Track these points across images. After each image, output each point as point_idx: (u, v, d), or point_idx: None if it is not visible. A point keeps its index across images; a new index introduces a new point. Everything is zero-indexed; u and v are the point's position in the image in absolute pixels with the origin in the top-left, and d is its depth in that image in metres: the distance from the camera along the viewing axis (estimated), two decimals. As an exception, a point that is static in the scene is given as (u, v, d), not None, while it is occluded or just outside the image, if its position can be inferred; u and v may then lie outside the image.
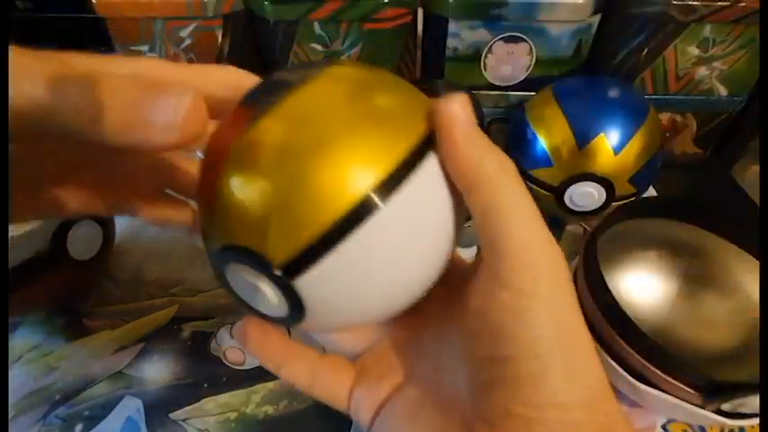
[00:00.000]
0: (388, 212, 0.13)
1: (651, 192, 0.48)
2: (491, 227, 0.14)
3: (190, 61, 0.50)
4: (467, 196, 0.14)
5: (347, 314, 0.15)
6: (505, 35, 0.45)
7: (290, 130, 0.14)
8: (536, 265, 0.13)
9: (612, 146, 0.37)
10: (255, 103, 0.15)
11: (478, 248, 0.15)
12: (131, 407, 0.34)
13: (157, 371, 0.36)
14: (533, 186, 0.41)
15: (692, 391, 0.25)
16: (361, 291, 0.14)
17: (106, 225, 0.38)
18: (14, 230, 0.29)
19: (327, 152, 0.13)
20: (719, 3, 0.40)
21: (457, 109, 0.14)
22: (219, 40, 0.49)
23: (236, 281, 0.15)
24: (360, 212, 0.13)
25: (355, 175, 0.13)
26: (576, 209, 0.40)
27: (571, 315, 0.13)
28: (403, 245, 0.14)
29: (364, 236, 0.13)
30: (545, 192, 0.40)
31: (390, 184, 0.13)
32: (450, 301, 0.16)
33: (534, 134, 0.40)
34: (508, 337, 0.13)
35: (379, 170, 0.13)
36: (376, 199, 0.13)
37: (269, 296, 0.14)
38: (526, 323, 0.13)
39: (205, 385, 0.35)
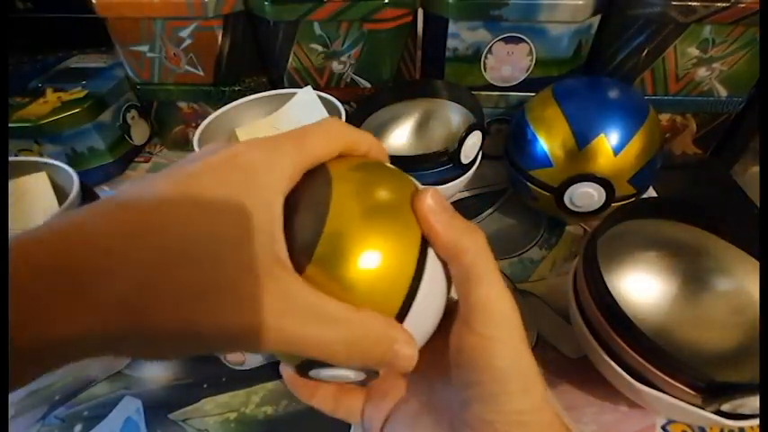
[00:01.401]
0: (425, 286, 0.18)
1: (651, 192, 0.48)
2: (465, 287, 0.18)
3: (190, 61, 0.50)
4: (450, 264, 0.19)
5: None
6: (505, 36, 0.45)
7: (343, 257, 0.17)
8: (496, 316, 0.18)
9: (612, 146, 0.37)
10: (297, 238, 0.17)
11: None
12: (131, 407, 0.34)
13: (157, 371, 0.36)
14: (533, 187, 0.41)
15: (691, 391, 0.25)
16: (417, 338, 0.19)
17: None
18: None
19: (380, 259, 0.17)
20: (719, 4, 0.40)
21: (430, 202, 0.18)
22: (219, 40, 0.49)
23: (321, 374, 0.18)
24: (411, 293, 0.18)
25: (404, 268, 0.17)
26: (576, 209, 0.40)
27: (520, 350, 0.18)
28: (435, 301, 0.19)
29: (416, 308, 0.18)
30: (545, 192, 0.40)
31: (421, 267, 0.18)
32: (438, 335, 0.20)
33: (534, 135, 0.40)
34: (477, 368, 0.18)
35: (414, 258, 0.18)
36: (418, 279, 0.18)
37: (353, 376, 0.19)
38: (489, 358, 0.18)
39: (205, 385, 0.35)
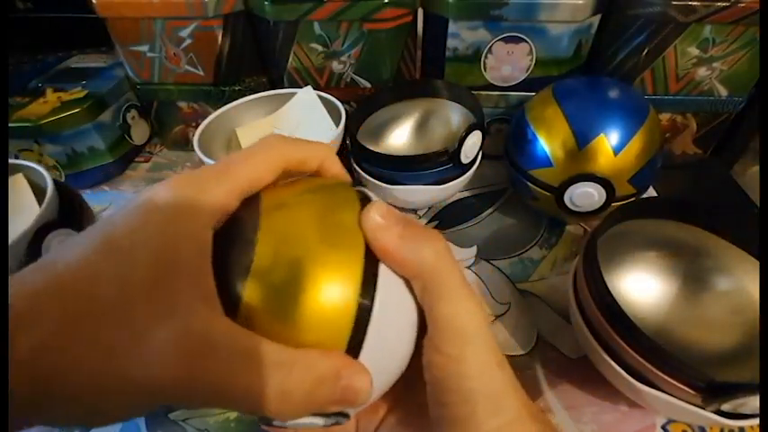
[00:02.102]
0: (379, 306, 0.16)
1: (651, 192, 0.48)
2: (428, 304, 0.17)
3: (190, 61, 0.50)
4: (410, 280, 0.18)
5: (376, 394, 0.19)
6: (505, 35, 0.45)
7: (274, 291, 0.15)
8: (461, 334, 0.17)
9: (612, 146, 0.37)
10: (227, 274, 0.16)
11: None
12: (131, 407, 0.34)
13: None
14: (533, 187, 0.41)
15: (692, 391, 0.25)
16: (383, 373, 0.18)
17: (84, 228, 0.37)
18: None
19: (316, 289, 0.15)
20: (719, 3, 0.40)
21: (376, 219, 0.17)
22: (219, 40, 0.49)
23: (287, 422, 0.17)
24: (361, 320, 0.16)
25: (346, 294, 0.16)
26: (576, 209, 0.40)
27: (490, 368, 0.17)
28: (397, 322, 0.18)
29: (373, 334, 0.16)
30: (545, 192, 0.40)
31: (369, 289, 0.16)
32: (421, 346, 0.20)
33: (534, 134, 0.40)
34: (445, 389, 0.17)
35: (356, 282, 0.16)
36: (369, 302, 0.16)
37: (320, 422, 0.17)
38: (457, 379, 0.17)
39: (205, 385, 0.35)
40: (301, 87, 0.48)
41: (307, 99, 0.48)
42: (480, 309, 0.18)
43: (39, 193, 0.37)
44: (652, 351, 0.25)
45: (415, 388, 0.21)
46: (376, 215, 0.17)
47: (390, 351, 0.18)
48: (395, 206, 0.19)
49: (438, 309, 0.17)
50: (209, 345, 0.14)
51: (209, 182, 0.16)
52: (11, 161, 0.38)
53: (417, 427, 0.21)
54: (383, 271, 0.17)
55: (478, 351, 0.17)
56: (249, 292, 0.15)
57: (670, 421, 0.32)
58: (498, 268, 0.43)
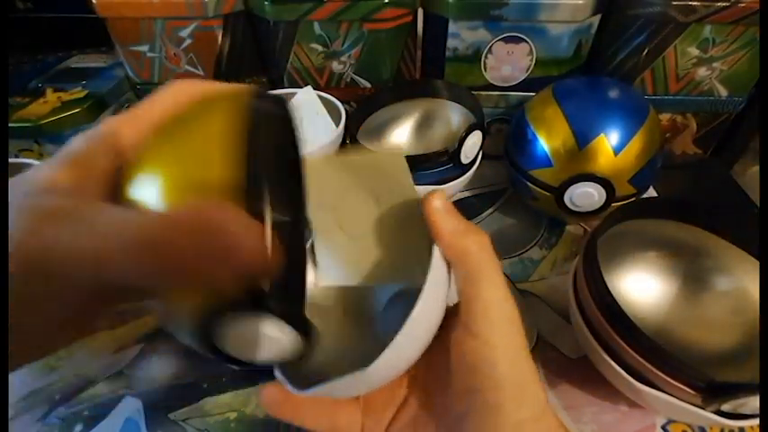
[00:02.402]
0: (430, 281, 0.18)
1: (651, 192, 0.48)
2: (468, 290, 0.19)
3: (190, 61, 0.50)
4: (453, 266, 0.20)
5: (401, 369, 0.20)
6: (505, 35, 0.45)
7: (140, 174, 0.16)
8: (495, 321, 0.19)
9: (612, 146, 0.37)
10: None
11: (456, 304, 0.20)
12: (131, 407, 0.34)
13: (157, 371, 0.36)
14: (533, 187, 0.41)
15: (692, 391, 0.25)
16: (413, 347, 0.19)
17: None
18: None
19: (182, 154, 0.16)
20: (719, 3, 0.40)
21: (437, 204, 0.19)
22: (219, 40, 0.49)
23: (232, 342, 0.15)
24: (250, 182, 0.14)
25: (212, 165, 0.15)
26: (576, 209, 0.40)
27: (520, 355, 0.19)
28: (439, 300, 0.20)
29: (423, 306, 0.18)
30: (545, 192, 0.40)
31: (248, 162, 0.15)
32: (434, 338, 0.20)
33: (534, 134, 0.40)
34: (476, 373, 0.18)
35: (230, 127, 0.16)
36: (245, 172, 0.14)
37: (278, 335, 0.15)
38: (489, 364, 0.18)
39: (205, 385, 0.35)
40: (301, 87, 0.48)
41: (307, 99, 0.48)
42: (513, 300, 0.19)
43: None
44: (652, 351, 0.25)
45: (430, 383, 0.22)
46: (437, 201, 0.19)
47: (427, 327, 0.19)
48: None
49: (475, 294, 0.19)
50: (56, 212, 0.14)
51: (121, 124, 0.17)
52: (19, 160, 0.38)
53: (433, 427, 0.21)
54: (436, 252, 0.19)
55: (511, 339, 0.19)
56: (124, 187, 0.16)
57: (670, 421, 0.32)
58: (498, 268, 0.43)
